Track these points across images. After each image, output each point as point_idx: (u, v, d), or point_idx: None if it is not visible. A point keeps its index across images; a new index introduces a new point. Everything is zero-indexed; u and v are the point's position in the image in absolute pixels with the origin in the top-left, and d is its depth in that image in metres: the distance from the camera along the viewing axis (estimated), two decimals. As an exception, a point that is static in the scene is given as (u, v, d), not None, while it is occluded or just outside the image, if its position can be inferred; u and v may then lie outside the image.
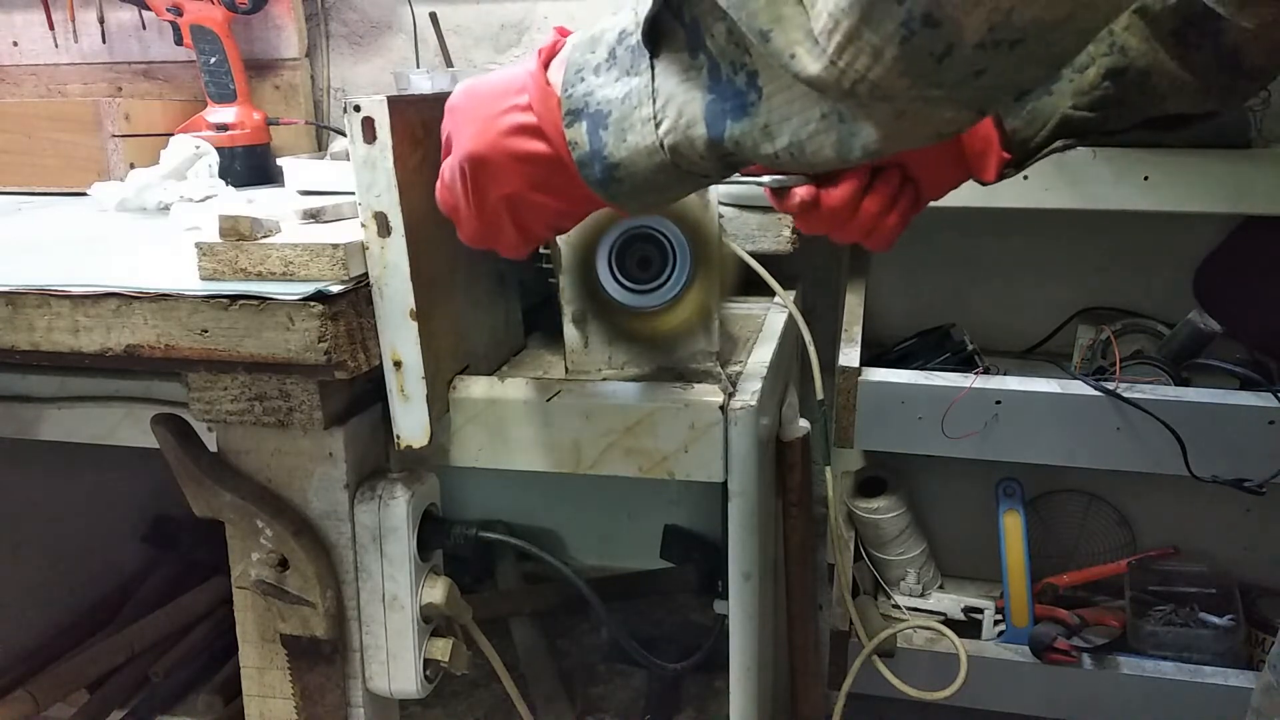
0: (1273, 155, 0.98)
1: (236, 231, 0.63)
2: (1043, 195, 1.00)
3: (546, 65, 0.54)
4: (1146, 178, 0.98)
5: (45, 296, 0.63)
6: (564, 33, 0.55)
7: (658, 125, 0.49)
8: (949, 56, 0.37)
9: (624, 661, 1.24)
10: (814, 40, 0.40)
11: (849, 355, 1.07)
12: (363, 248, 0.63)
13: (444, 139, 0.58)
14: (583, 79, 0.52)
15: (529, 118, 0.53)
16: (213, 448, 0.70)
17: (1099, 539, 1.31)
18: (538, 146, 0.53)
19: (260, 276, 0.63)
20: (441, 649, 0.73)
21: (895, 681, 1.12)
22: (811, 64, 0.40)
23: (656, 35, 0.49)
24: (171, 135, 1.17)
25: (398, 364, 0.65)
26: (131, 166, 1.20)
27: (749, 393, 0.69)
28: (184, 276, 0.65)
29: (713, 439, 0.67)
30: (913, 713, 1.31)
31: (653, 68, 0.49)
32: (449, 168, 0.58)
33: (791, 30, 0.41)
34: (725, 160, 0.50)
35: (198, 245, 0.63)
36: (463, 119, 0.56)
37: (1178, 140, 0.97)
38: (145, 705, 1.14)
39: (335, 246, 0.62)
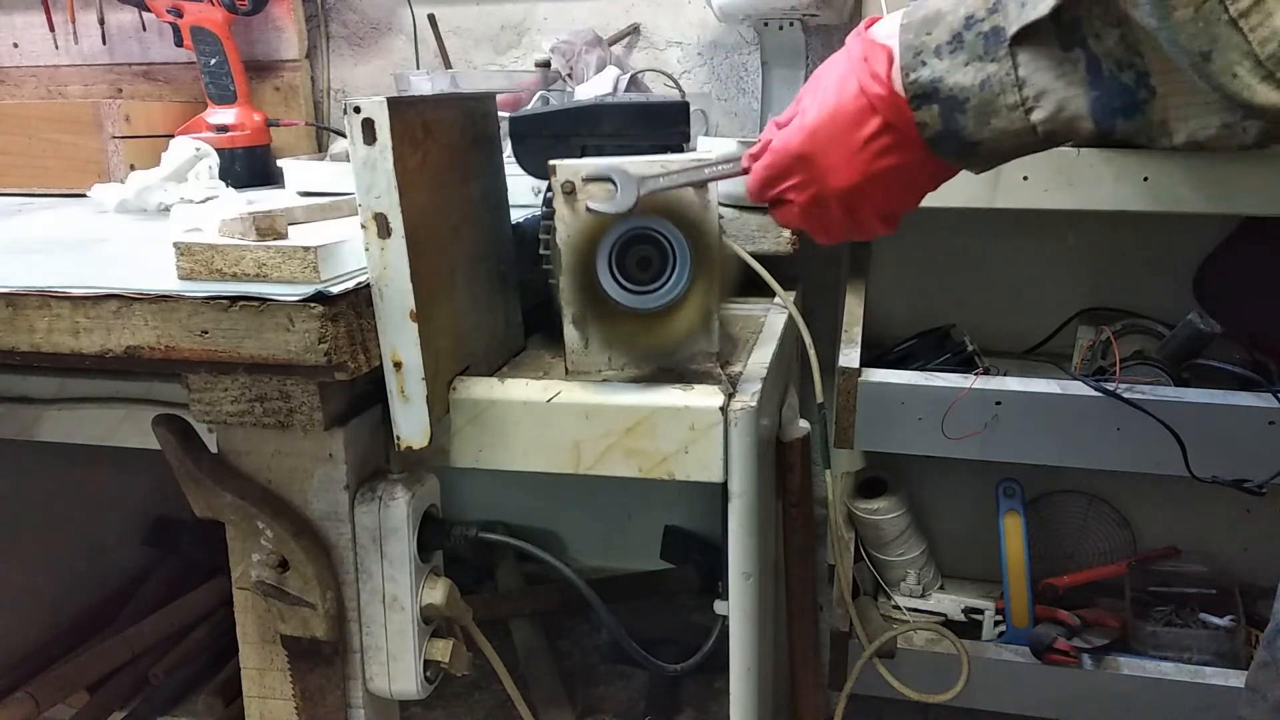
0: (1273, 155, 0.98)
1: (274, 230, 0.64)
2: (1042, 195, 1.00)
3: (889, 77, 0.56)
4: (1146, 178, 0.98)
5: (46, 298, 0.63)
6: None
7: (1027, 112, 0.52)
8: None
9: (624, 662, 1.24)
10: (1258, 64, 0.42)
11: (849, 356, 1.07)
12: (363, 249, 0.63)
13: (793, 183, 0.62)
14: (923, 62, 0.54)
15: (890, 136, 0.57)
16: (213, 449, 0.71)
17: (1099, 539, 1.31)
18: (902, 158, 0.58)
19: (235, 278, 0.63)
20: (442, 650, 0.73)
21: (895, 683, 1.12)
22: (1263, 90, 0.42)
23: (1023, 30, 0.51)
24: (172, 137, 1.17)
25: (398, 365, 0.65)
26: (132, 168, 1.20)
27: (749, 394, 0.69)
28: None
29: (713, 440, 0.67)
30: (913, 713, 1.31)
31: (1014, 56, 0.51)
32: (812, 204, 0.62)
33: (1229, 51, 0.42)
34: (1106, 141, 0.54)
35: (176, 245, 0.64)
36: (824, 162, 0.60)
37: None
38: (145, 706, 1.14)
39: (307, 249, 0.62)
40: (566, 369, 0.72)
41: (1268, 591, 1.24)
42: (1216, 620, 1.18)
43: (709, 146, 1.08)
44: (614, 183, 0.65)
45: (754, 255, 0.90)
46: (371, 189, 0.61)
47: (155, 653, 1.22)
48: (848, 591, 1.12)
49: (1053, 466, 1.06)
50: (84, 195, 1.13)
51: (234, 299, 0.61)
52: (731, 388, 0.69)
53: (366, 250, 0.63)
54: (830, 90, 0.59)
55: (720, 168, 0.66)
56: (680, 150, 0.76)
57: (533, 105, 1.16)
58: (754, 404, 0.68)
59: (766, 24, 1.24)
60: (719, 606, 0.78)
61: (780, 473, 0.87)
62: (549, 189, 0.69)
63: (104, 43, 1.44)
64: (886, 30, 0.58)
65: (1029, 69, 0.51)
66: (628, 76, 1.26)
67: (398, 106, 0.60)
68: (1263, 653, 0.74)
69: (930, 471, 1.32)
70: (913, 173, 0.60)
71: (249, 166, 1.30)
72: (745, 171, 0.66)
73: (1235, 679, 1.11)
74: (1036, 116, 0.52)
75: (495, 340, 0.78)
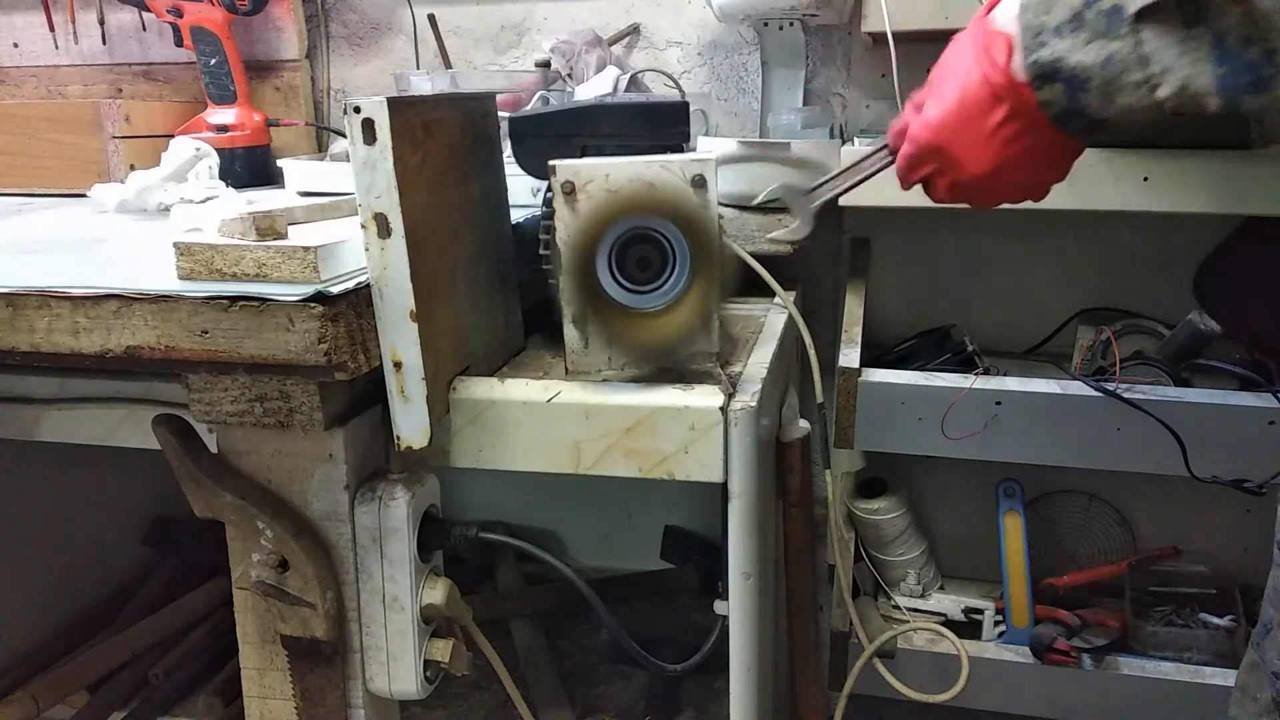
0: (1273, 155, 0.98)
1: (274, 230, 0.64)
2: (1042, 196, 1.00)
3: (1005, 53, 0.58)
4: (1146, 178, 0.98)
5: (45, 298, 0.63)
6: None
7: (1152, 90, 0.53)
8: None
9: (624, 662, 1.24)
10: None
11: (849, 356, 1.07)
12: (364, 249, 0.63)
13: (933, 169, 0.66)
14: (1043, 43, 0.55)
15: (1018, 122, 0.59)
16: (213, 449, 0.70)
17: (1099, 539, 1.31)
18: (1033, 140, 0.60)
19: (235, 278, 0.63)
20: (442, 650, 0.73)
21: (895, 683, 1.12)
22: None
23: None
24: (172, 137, 1.17)
25: (398, 365, 0.65)
26: (132, 168, 1.20)
27: (749, 394, 0.69)
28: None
29: (712, 440, 0.67)
30: (913, 713, 1.31)
31: (1136, 33, 0.52)
32: (954, 188, 0.66)
33: None
34: (1232, 114, 0.53)
35: (176, 245, 0.64)
36: (958, 151, 0.62)
37: (1178, 140, 0.97)
38: (145, 706, 1.14)
39: (307, 249, 0.62)
40: (566, 369, 0.72)
41: (1268, 591, 1.24)
42: (1216, 620, 1.18)
43: (709, 146, 1.08)
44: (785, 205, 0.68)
45: (754, 255, 0.90)
46: (371, 189, 0.61)
47: (155, 653, 1.22)
48: (848, 591, 1.12)
49: (1053, 466, 1.06)
50: (84, 195, 1.13)
51: (234, 299, 0.61)
52: (731, 388, 0.69)
53: (366, 250, 0.63)
54: (955, 79, 0.61)
55: (875, 159, 0.71)
56: (680, 150, 0.75)
57: (533, 105, 1.16)
58: (754, 404, 0.68)
59: (766, 24, 1.24)
60: (719, 606, 0.78)
61: (780, 473, 0.87)
62: (549, 189, 0.69)
63: (104, 43, 1.44)
64: (1006, 15, 0.59)
65: (1152, 46, 0.52)
66: (628, 76, 1.26)
67: (398, 106, 0.60)
68: (1251, 653, 0.75)
69: (930, 471, 1.32)
70: (1049, 150, 0.61)
71: (249, 166, 1.30)
72: (894, 153, 0.69)
73: (1235, 679, 1.11)
74: (1162, 93, 0.52)
75: (495, 340, 0.78)
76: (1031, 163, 0.62)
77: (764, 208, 1.04)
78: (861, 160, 0.72)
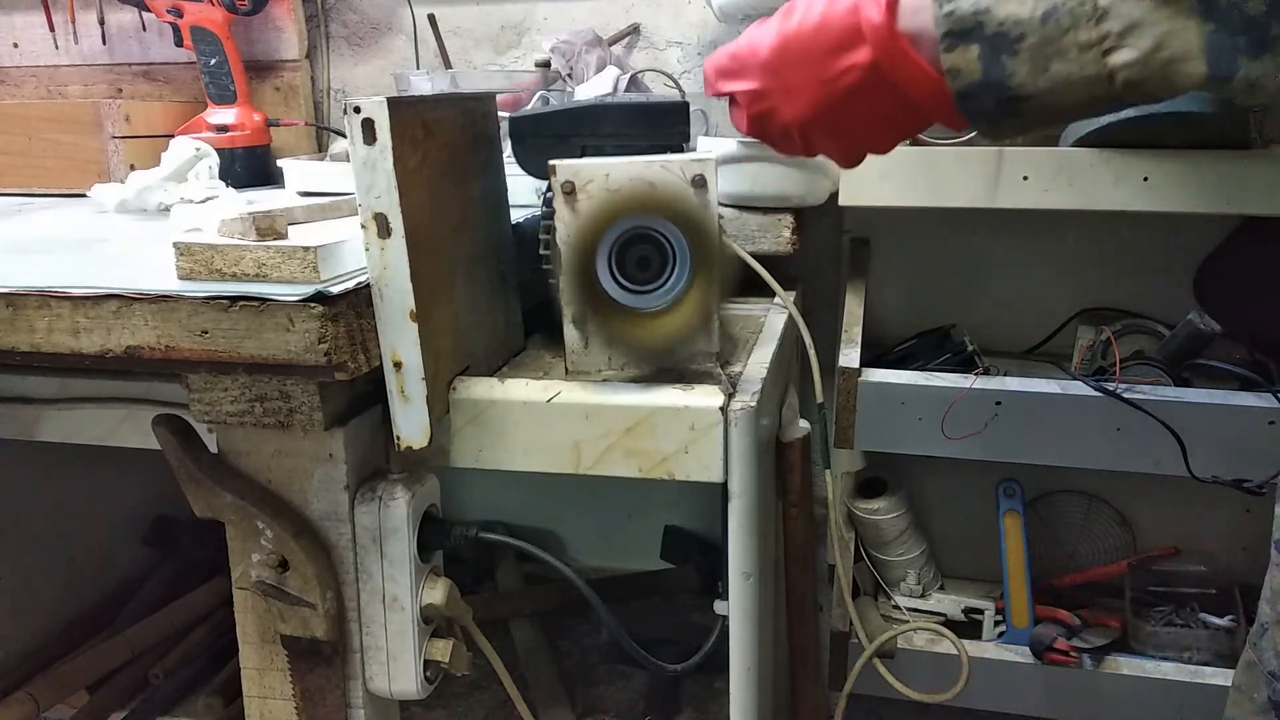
0: (1272, 155, 0.98)
1: (274, 230, 0.64)
2: (1042, 195, 1.00)
3: (892, 9, 0.47)
4: (1146, 178, 0.98)
5: (45, 298, 0.63)
6: None
7: (1105, 53, 0.42)
8: None
9: (624, 662, 1.24)
10: None
11: (849, 356, 1.07)
12: (364, 249, 0.63)
13: (748, 90, 0.55)
14: None
15: (869, 76, 0.48)
16: (213, 449, 0.71)
17: (1099, 539, 1.31)
18: (877, 105, 0.50)
19: (234, 278, 0.63)
20: (442, 650, 0.73)
21: (895, 683, 1.12)
22: None
23: None
24: (172, 137, 1.17)
25: (398, 365, 0.65)
26: (132, 168, 1.20)
27: (749, 394, 0.69)
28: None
29: (712, 440, 0.67)
30: (913, 713, 1.31)
31: None
32: (761, 119, 0.56)
33: None
34: (1215, 86, 0.42)
35: (175, 245, 0.64)
36: (788, 80, 0.52)
37: (1178, 140, 0.97)
38: (145, 706, 1.14)
39: (306, 249, 0.62)
40: (566, 369, 0.72)
41: (1268, 591, 1.24)
42: (1216, 620, 1.18)
43: (709, 146, 1.08)
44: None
45: (754, 255, 0.90)
46: (371, 189, 0.61)
47: (155, 653, 1.22)
48: (848, 591, 1.12)
49: (1053, 466, 1.06)
50: (84, 195, 1.13)
51: (234, 299, 0.61)
52: (731, 388, 0.69)
53: (366, 250, 0.63)
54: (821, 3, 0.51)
55: None
56: (680, 150, 0.76)
57: (533, 105, 1.16)
58: (754, 404, 0.68)
59: (766, 24, 1.23)
60: (719, 606, 0.78)
61: (780, 473, 0.87)
62: (549, 189, 0.69)
63: (104, 43, 1.44)
64: None
65: None
66: (628, 76, 1.26)
67: (398, 106, 0.60)
68: (1249, 652, 0.74)
69: (930, 471, 1.32)
70: (890, 120, 0.51)
71: (249, 166, 1.30)
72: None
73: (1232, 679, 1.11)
74: (1119, 59, 0.42)
75: (495, 340, 0.78)
76: (866, 125, 0.52)
77: (765, 208, 1.04)
78: None
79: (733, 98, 0.58)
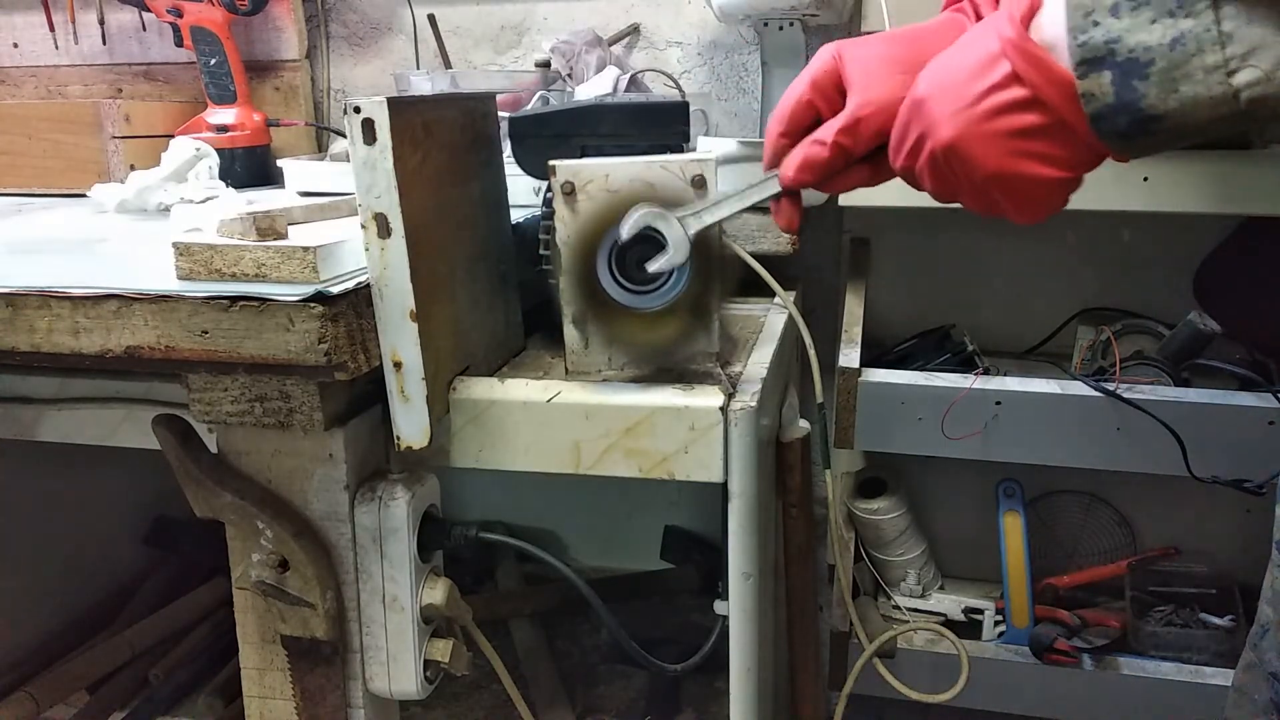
0: (1273, 156, 0.98)
1: (274, 230, 0.64)
2: (1042, 196, 1.00)
3: (1025, 23, 0.51)
4: (1146, 178, 0.98)
5: (46, 298, 0.63)
6: None
7: (1230, 74, 0.46)
8: None
9: (624, 662, 1.24)
10: None
11: (849, 356, 1.07)
12: (364, 249, 0.63)
13: (911, 139, 0.56)
14: (1096, 22, 0.48)
15: (1017, 92, 0.51)
16: (213, 449, 0.71)
17: (1099, 539, 1.31)
18: (1030, 119, 0.51)
19: (234, 278, 0.63)
20: (442, 650, 0.73)
21: (895, 683, 1.12)
22: None
23: None
24: (172, 137, 1.17)
25: (398, 365, 0.65)
26: (132, 168, 1.20)
27: (749, 394, 0.69)
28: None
29: (713, 440, 0.67)
30: (913, 713, 1.31)
31: (1216, 8, 0.45)
32: (927, 162, 0.56)
33: None
34: None
35: (175, 245, 0.64)
36: (935, 111, 0.54)
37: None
38: (145, 706, 1.14)
39: (306, 249, 0.62)
40: (566, 369, 0.72)
41: (1268, 591, 1.24)
42: (1216, 620, 1.18)
43: (709, 146, 1.08)
44: (660, 234, 0.64)
45: (754, 254, 0.90)
46: (371, 189, 0.61)
47: (155, 653, 1.22)
48: (848, 591, 1.12)
49: (1053, 466, 1.06)
50: (84, 195, 1.13)
51: (234, 299, 0.61)
52: (731, 388, 0.69)
53: (366, 250, 0.63)
54: (961, 44, 0.54)
55: (764, 185, 0.65)
56: (680, 150, 0.76)
57: (533, 105, 1.16)
58: (754, 404, 0.68)
59: (766, 24, 1.24)
60: (719, 606, 0.78)
61: (780, 473, 0.87)
62: (549, 189, 0.69)
63: (104, 43, 1.44)
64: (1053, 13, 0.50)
65: (1235, 23, 0.45)
66: (628, 76, 1.26)
67: (398, 106, 0.60)
68: (1249, 654, 0.74)
69: (930, 471, 1.32)
70: (1053, 142, 0.52)
71: (249, 166, 1.30)
72: (786, 186, 0.63)
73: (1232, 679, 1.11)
74: (1242, 79, 0.45)
75: (495, 340, 0.78)
76: (1022, 144, 0.52)
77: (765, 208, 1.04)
78: (749, 188, 0.66)
79: (914, 152, 0.58)
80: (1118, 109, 0.48)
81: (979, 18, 0.62)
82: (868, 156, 0.61)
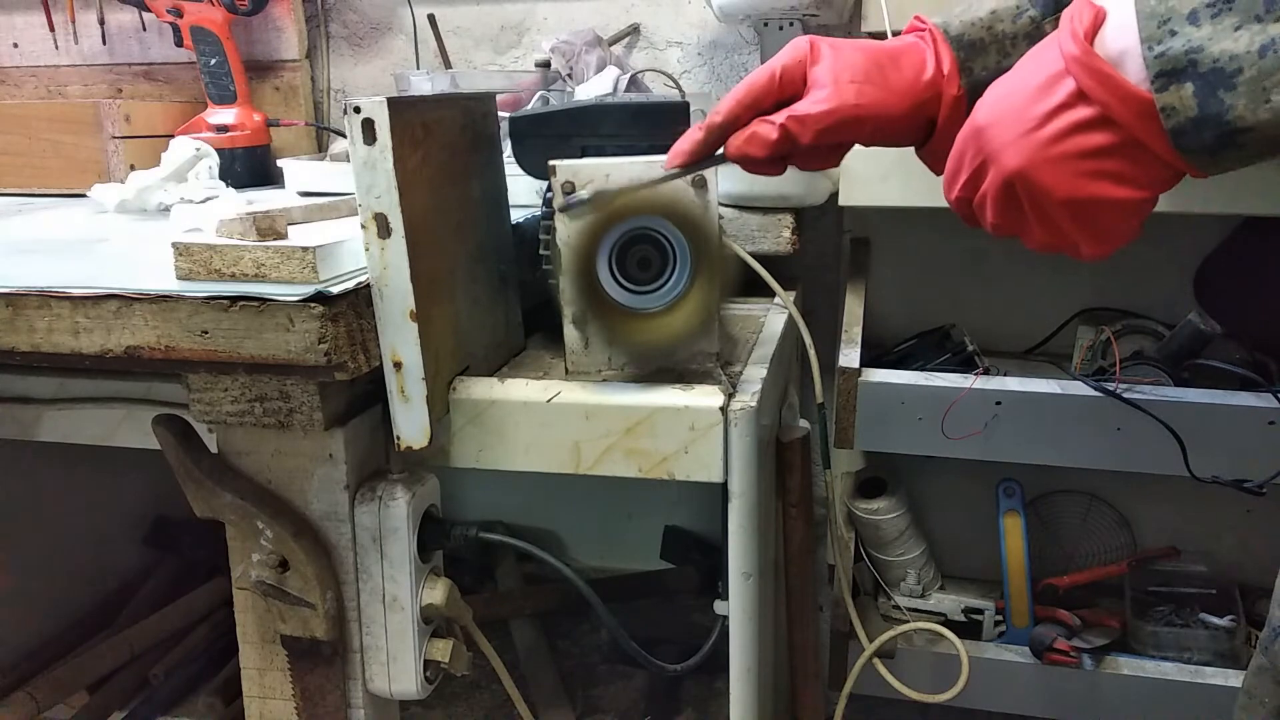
0: (1272, 156, 0.97)
1: (274, 230, 0.64)
2: (1042, 196, 1.00)
3: (1090, 38, 0.48)
4: (1146, 178, 0.98)
5: (45, 298, 0.63)
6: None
7: None
8: None
9: (624, 662, 1.24)
10: None
11: (849, 356, 1.07)
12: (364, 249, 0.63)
13: (969, 168, 0.54)
14: (1174, 31, 0.45)
15: (1084, 111, 0.48)
16: (213, 449, 0.71)
17: (1099, 539, 1.31)
18: (1100, 139, 0.48)
19: (234, 278, 0.63)
20: (442, 650, 0.73)
21: (895, 683, 1.12)
22: None
23: None
24: (172, 137, 1.17)
25: (397, 365, 0.65)
26: (132, 168, 1.20)
27: (749, 394, 0.69)
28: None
29: (713, 440, 0.67)
30: (913, 713, 1.31)
31: None
32: (992, 193, 0.53)
33: None
34: None
35: (174, 245, 0.64)
36: (997, 138, 0.51)
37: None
38: (145, 706, 1.15)
39: (305, 250, 0.62)
40: (566, 369, 0.72)
41: (1268, 592, 1.23)
42: (1216, 620, 1.18)
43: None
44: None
45: (754, 255, 0.90)
46: (371, 189, 0.61)
47: (155, 653, 1.22)
48: (848, 591, 1.12)
49: (1053, 466, 1.06)
50: (84, 195, 1.13)
51: (234, 299, 0.61)
52: (731, 388, 0.69)
53: (366, 250, 0.63)
54: (1024, 61, 0.51)
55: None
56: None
57: (533, 105, 1.16)
58: (754, 404, 0.68)
59: (766, 24, 1.24)
60: (719, 606, 0.78)
61: (780, 473, 0.87)
62: (549, 189, 0.69)
63: (104, 43, 1.44)
64: (1120, 20, 0.47)
65: None
66: (628, 76, 1.26)
67: (398, 106, 0.60)
68: (1260, 657, 0.74)
69: (930, 471, 1.32)
70: (1125, 161, 0.49)
71: (249, 166, 1.30)
72: (730, 155, 0.63)
73: (1235, 679, 1.11)
74: None
75: (495, 340, 0.78)
76: (1093, 165, 0.48)
77: (765, 208, 1.04)
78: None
79: (967, 201, 0.56)
80: (1201, 123, 0.46)
81: (936, 47, 0.61)
82: (805, 153, 0.62)
